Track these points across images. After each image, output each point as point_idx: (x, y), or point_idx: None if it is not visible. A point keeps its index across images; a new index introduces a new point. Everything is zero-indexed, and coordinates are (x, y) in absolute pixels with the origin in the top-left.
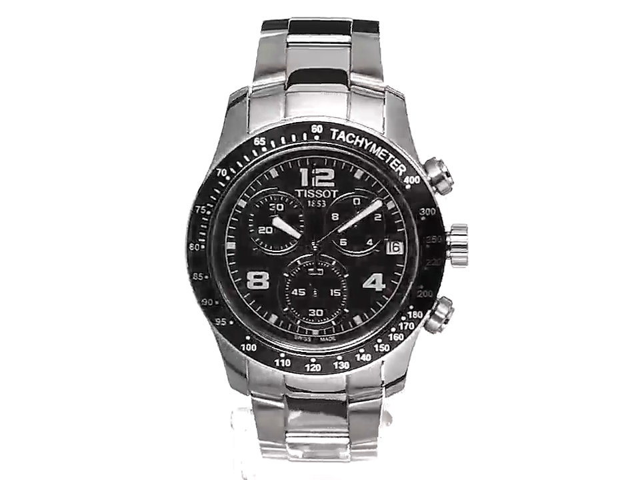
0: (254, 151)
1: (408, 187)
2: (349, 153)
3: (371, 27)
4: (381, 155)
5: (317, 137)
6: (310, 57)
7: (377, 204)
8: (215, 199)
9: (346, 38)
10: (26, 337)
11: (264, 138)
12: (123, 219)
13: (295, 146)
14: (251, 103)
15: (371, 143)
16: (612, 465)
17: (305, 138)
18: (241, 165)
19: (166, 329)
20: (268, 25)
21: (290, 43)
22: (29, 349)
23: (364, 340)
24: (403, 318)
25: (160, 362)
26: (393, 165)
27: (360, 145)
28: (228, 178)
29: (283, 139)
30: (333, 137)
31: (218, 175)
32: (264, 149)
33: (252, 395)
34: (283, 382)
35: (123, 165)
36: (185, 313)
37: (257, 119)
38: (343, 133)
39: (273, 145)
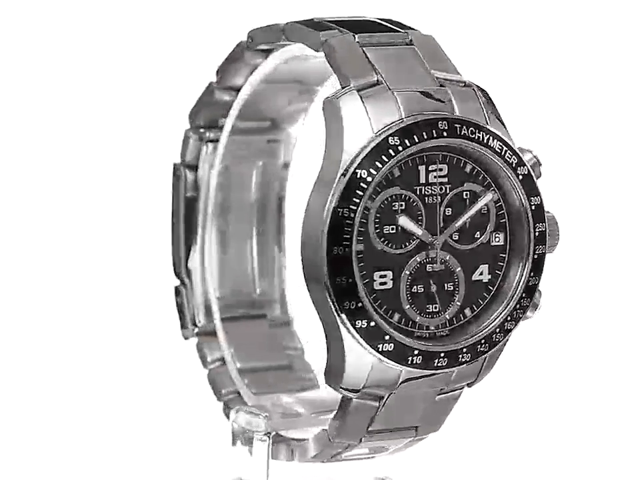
0: (390, 151)
1: (521, 177)
2: (469, 148)
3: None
4: (498, 148)
5: (444, 133)
6: (390, 55)
7: (488, 196)
8: (357, 200)
9: (406, 36)
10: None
11: (397, 137)
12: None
13: (425, 143)
14: (365, 102)
15: (489, 136)
16: None
17: (434, 135)
18: (380, 166)
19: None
20: (318, 26)
21: (360, 42)
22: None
23: (489, 330)
24: (517, 306)
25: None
26: (508, 157)
27: (480, 139)
28: (369, 179)
29: (415, 137)
30: (458, 132)
31: (359, 176)
32: (400, 148)
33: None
34: (396, 380)
35: None
36: None
37: (378, 118)
38: (464, 127)
39: (408, 144)
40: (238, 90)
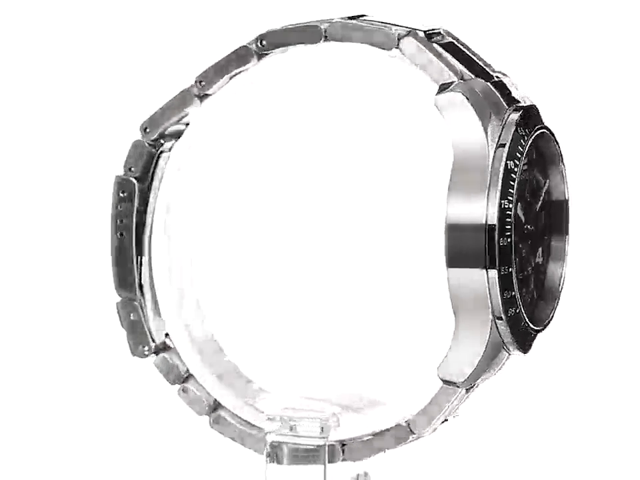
0: (522, 140)
1: (564, 161)
2: (540, 135)
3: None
4: (554, 136)
5: (541, 123)
6: (451, 51)
7: (547, 183)
8: (512, 191)
9: (448, 39)
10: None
11: (521, 127)
12: None
13: (536, 131)
14: (480, 93)
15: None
16: None
17: (537, 124)
18: (520, 156)
19: None
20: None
21: (433, 42)
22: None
23: (555, 307)
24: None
25: None
26: (557, 144)
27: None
28: (516, 170)
29: (530, 126)
30: (542, 121)
31: (509, 167)
32: (526, 138)
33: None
34: (498, 366)
35: None
36: None
37: (495, 109)
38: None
39: (529, 132)
40: (205, 97)
